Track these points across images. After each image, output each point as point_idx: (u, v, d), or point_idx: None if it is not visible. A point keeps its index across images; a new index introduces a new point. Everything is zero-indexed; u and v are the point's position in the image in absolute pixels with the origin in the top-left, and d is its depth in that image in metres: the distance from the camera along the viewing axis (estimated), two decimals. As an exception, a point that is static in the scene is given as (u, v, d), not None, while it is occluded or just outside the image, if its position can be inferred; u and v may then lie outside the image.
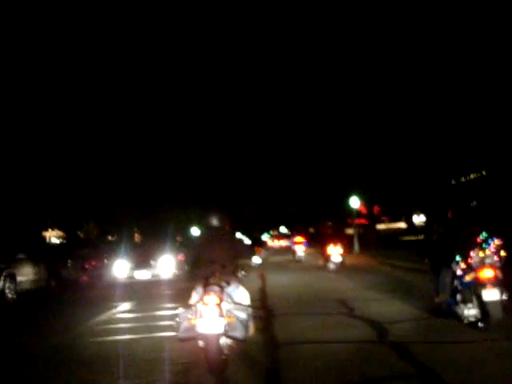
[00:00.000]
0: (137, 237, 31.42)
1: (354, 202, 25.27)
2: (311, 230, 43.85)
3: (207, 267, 4.64)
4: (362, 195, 25.77)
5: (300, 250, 22.46)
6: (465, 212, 6.65)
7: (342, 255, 15.10)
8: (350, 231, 43.73)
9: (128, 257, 14.66)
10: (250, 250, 6.80)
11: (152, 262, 14.05)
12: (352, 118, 25.76)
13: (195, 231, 31.00)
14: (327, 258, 15.30)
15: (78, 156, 22.04)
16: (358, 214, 26.97)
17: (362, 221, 27.64)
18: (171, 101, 26.40)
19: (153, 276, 13.75)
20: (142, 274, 13.80)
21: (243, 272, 4.97)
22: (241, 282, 4.85)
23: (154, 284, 13.06)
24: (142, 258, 14.28)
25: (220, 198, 29.32)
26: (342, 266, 14.96)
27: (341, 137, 27.54)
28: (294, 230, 30.82)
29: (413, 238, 27.29)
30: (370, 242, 27.77)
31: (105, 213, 28.33)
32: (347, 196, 26.40)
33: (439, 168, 23.80)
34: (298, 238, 23.52)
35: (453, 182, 25.01)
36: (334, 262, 14.88)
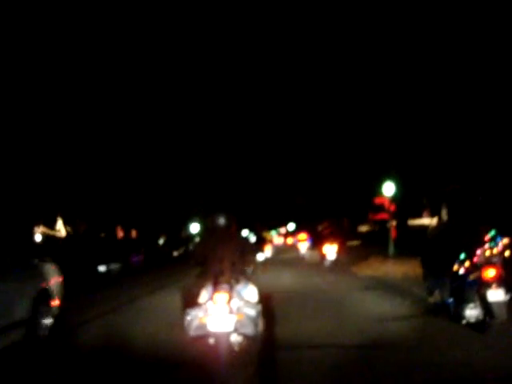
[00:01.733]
0: (134, 233, 32.22)
1: (389, 189, 21.89)
2: (320, 227, 44.60)
3: (217, 266, 5.17)
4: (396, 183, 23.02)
5: (303, 247, 24.72)
6: (470, 208, 6.82)
7: (337, 253, 17.80)
8: (364, 228, 44.38)
9: None
10: (256, 248, 7.40)
11: None
12: (374, 101, 26.16)
13: (194, 228, 32.04)
14: (323, 256, 18.07)
15: (66, 149, 22.81)
16: (381, 207, 25.24)
17: (384, 216, 26.07)
18: (170, 97, 27.38)
19: None
20: None
21: (251, 270, 5.50)
22: (249, 279, 5.38)
23: None
24: None
25: (226, 196, 30.30)
26: (336, 263, 17.70)
27: (364, 121, 27.90)
28: (300, 228, 31.84)
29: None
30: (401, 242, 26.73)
31: (95, 208, 29.17)
32: (372, 186, 26.10)
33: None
34: (302, 236, 25.83)
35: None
36: (329, 260, 17.63)
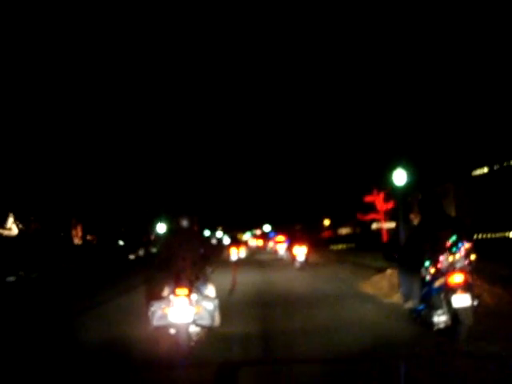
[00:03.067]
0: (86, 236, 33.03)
1: (399, 178, 18.66)
2: (298, 226, 46.50)
3: (179, 263, 6.40)
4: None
5: (281, 248, 27.68)
6: (435, 214, 7.35)
7: (306, 254, 20.06)
8: (344, 231, 45.85)
9: None
10: (218, 249, 8.65)
11: None
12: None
13: (161, 228, 33.34)
14: (294, 258, 20.53)
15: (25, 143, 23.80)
16: (372, 207, 24.43)
17: (376, 216, 25.34)
18: (135, 99, 28.83)
19: None
20: None
21: (211, 269, 6.78)
22: (208, 277, 6.64)
23: None
24: None
25: (192, 199, 31.93)
26: (306, 264, 19.84)
27: (349, 116, 28.96)
28: (277, 229, 34.17)
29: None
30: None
31: (52, 206, 30.00)
32: (360, 184, 26.41)
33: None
34: (280, 238, 29.05)
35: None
36: (299, 261, 19.93)
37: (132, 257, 34.90)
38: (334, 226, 44.79)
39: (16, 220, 34.01)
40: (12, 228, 35.30)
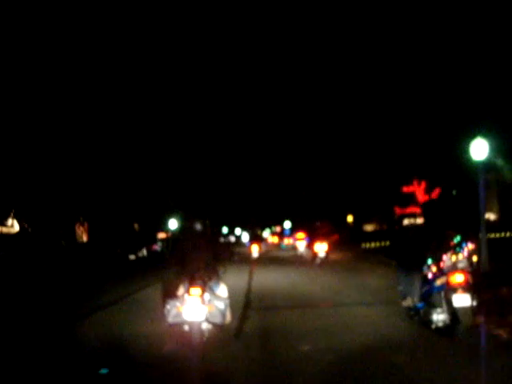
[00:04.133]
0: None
1: (480, 151, 14.74)
2: (318, 223, 47.39)
3: (193, 264, 7.42)
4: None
5: (302, 245, 30.30)
6: (441, 214, 8.29)
7: (326, 252, 22.23)
8: (368, 228, 46.29)
9: None
10: (230, 251, 9.78)
11: None
12: None
13: (173, 224, 34.74)
14: (315, 254, 22.58)
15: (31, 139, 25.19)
16: (413, 197, 23.77)
17: (415, 209, 24.70)
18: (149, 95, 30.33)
19: None
20: None
21: (223, 270, 7.81)
22: (220, 277, 7.67)
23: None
24: None
25: (210, 195, 33.75)
26: (326, 261, 21.87)
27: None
28: (297, 226, 36.20)
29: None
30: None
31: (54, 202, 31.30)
32: (394, 173, 26.36)
33: None
34: (300, 235, 31.48)
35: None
36: (319, 258, 22.12)
37: (132, 257, 35.07)
38: (357, 222, 45.41)
39: (17, 217, 35.14)
40: (13, 225, 36.50)
